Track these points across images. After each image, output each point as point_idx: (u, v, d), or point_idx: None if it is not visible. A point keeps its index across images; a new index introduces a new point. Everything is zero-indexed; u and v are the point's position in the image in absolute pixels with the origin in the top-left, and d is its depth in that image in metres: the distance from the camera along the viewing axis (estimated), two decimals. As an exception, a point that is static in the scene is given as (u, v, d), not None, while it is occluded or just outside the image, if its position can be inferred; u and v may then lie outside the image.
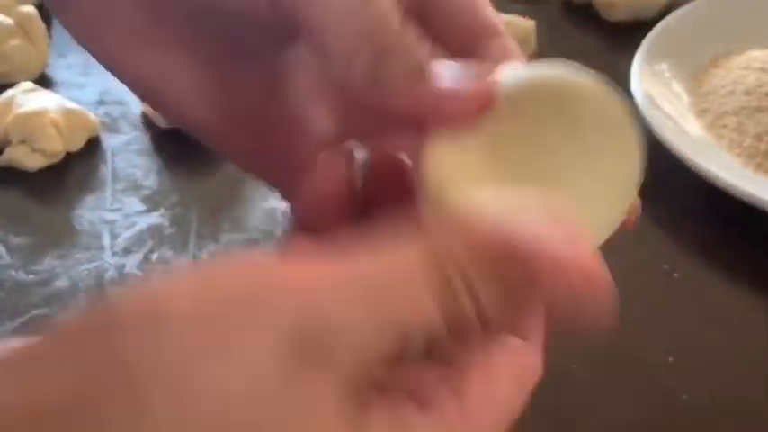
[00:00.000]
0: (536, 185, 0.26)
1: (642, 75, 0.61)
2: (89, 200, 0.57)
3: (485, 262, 0.22)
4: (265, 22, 0.29)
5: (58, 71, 0.68)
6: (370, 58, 0.25)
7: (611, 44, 0.70)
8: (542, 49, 0.68)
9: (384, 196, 0.29)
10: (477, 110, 0.26)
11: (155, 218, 0.56)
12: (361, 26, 0.25)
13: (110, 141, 0.62)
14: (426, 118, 0.26)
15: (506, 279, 0.22)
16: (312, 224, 0.28)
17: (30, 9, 0.67)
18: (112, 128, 0.63)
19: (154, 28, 0.31)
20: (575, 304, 0.23)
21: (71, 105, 0.61)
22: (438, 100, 0.26)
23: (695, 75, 0.64)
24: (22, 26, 0.67)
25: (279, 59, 0.31)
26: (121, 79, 0.32)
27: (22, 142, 0.58)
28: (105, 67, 0.32)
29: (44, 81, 0.66)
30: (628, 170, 0.27)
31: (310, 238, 0.28)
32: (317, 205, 0.28)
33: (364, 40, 0.25)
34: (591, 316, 0.23)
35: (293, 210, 0.31)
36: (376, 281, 0.21)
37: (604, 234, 0.28)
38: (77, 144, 0.61)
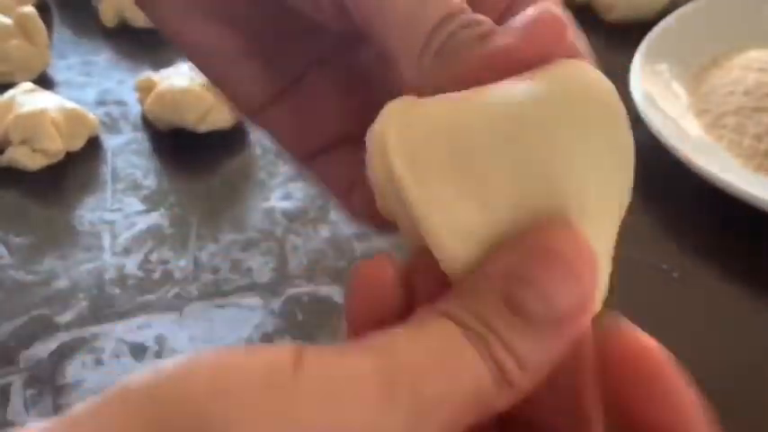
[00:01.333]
0: (517, 192, 0.22)
1: (642, 75, 0.61)
2: (89, 200, 0.57)
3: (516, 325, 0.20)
4: (330, 24, 0.27)
5: (58, 71, 0.68)
6: (438, 46, 0.23)
7: (611, 44, 0.70)
8: (542, 49, 0.68)
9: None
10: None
11: (155, 218, 0.56)
12: (425, 26, 0.23)
13: (110, 141, 0.62)
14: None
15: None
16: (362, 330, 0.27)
17: (30, 9, 0.67)
18: (112, 128, 0.63)
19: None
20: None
21: (71, 105, 0.61)
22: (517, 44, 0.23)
23: (695, 75, 0.64)
24: (22, 26, 0.67)
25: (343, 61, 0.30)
26: (178, 47, 0.31)
27: (23, 142, 0.59)
28: (162, 34, 0.31)
29: (44, 81, 0.66)
30: (624, 175, 0.24)
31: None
32: (363, 318, 0.26)
33: (429, 38, 0.23)
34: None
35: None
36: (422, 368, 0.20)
37: (609, 253, 0.24)
38: (77, 144, 0.61)
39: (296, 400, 0.18)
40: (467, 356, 0.20)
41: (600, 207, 0.23)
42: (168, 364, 0.19)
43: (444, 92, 0.23)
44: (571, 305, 0.21)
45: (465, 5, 0.24)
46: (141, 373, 0.19)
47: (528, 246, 0.21)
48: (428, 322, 0.21)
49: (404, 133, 0.22)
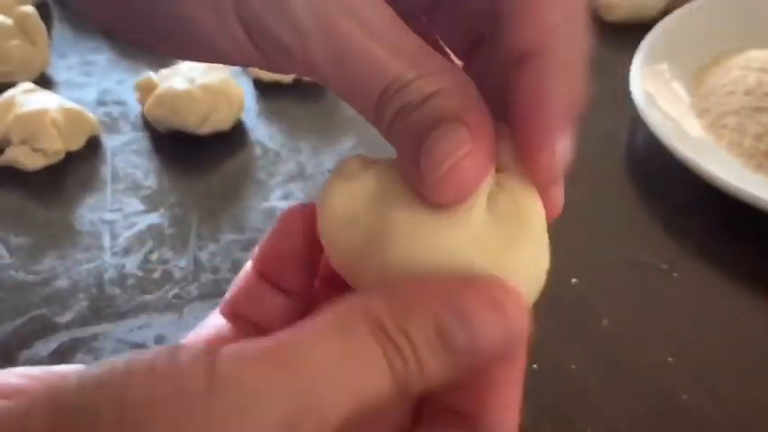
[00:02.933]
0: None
1: (642, 75, 0.61)
2: (89, 200, 0.57)
3: (429, 328, 0.22)
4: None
5: (58, 71, 0.68)
6: (392, 114, 0.24)
7: (611, 44, 0.70)
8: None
9: None
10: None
11: (155, 218, 0.56)
12: (383, 83, 0.24)
13: (110, 141, 0.62)
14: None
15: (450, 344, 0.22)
16: (272, 279, 0.29)
17: (30, 9, 0.67)
18: (112, 128, 0.63)
19: None
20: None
21: (71, 105, 0.61)
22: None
23: (695, 75, 0.64)
24: (22, 26, 0.67)
25: None
26: None
27: (23, 142, 0.58)
28: None
29: (44, 81, 0.66)
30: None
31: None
32: (276, 261, 0.28)
33: (377, 106, 0.24)
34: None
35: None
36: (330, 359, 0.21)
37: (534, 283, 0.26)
38: (77, 144, 0.61)
39: (208, 425, 0.20)
40: (378, 368, 0.22)
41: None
42: (71, 381, 0.20)
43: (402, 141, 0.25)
44: (494, 345, 0.23)
45: (403, 70, 0.24)
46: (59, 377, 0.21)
47: (467, 287, 0.23)
48: (349, 323, 0.22)
49: (333, 208, 0.26)
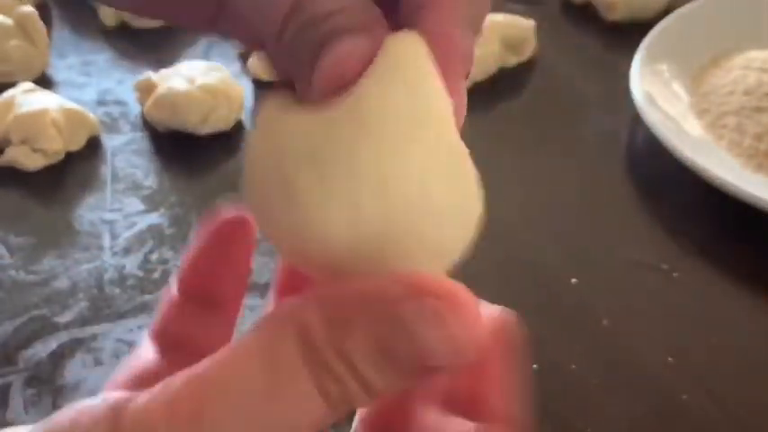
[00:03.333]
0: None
1: (642, 75, 0.61)
2: (89, 200, 0.57)
3: (356, 329, 0.20)
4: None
5: (58, 71, 0.68)
6: (287, 39, 0.23)
7: (611, 44, 0.70)
8: (542, 49, 0.68)
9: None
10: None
11: (155, 218, 0.56)
12: (276, 16, 0.23)
13: (110, 141, 0.62)
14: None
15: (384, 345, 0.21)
16: (199, 296, 0.27)
17: (30, 9, 0.67)
18: (112, 128, 0.63)
19: None
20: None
21: (71, 105, 0.61)
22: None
23: (695, 75, 0.64)
24: (22, 26, 0.67)
25: None
26: None
27: (23, 142, 0.58)
28: None
29: (44, 81, 0.66)
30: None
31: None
32: (199, 277, 0.27)
33: (281, 29, 0.23)
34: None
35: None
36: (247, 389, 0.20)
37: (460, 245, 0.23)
38: (77, 144, 0.61)
39: None
40: (311, 401, 0.20)
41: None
42: None
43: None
44: (442, 357, 0.21)
45: None
46: None
47: (410, 297, 0.21)
48: (278, 347, 0.20)
49: (266, 143, 0.23)
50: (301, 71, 0.23)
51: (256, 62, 0.66)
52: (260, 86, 0.67)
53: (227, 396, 0.20)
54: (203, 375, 0.20)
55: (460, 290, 0.21)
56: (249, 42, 0.27)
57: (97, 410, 0.20)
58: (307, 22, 0.22)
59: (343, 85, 0.22)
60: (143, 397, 0.20)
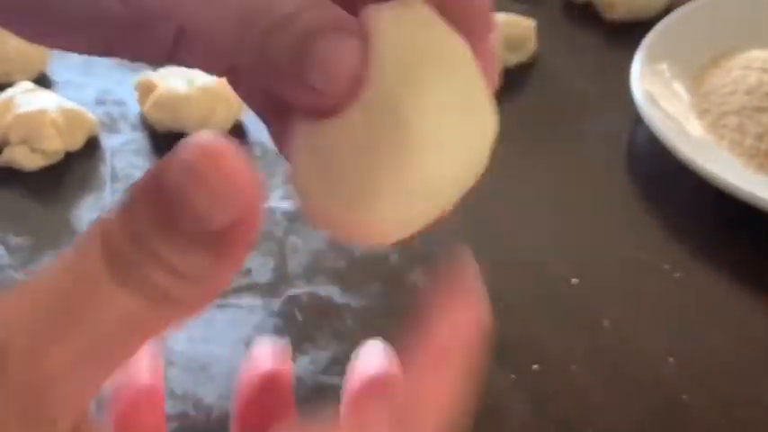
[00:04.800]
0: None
1: (642, 75, 0.61)
2: (88, 200, 0.57)
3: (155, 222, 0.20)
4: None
5: (57, 71, 0.68)
6: (256, 39, 0.23)
7: (611, 44, 0.70)
8: (542, 49, 0.68)
9: None
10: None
11: (154, 218, 0.56)
12: (240, 10, 0.22)
13: (109, 141, 0.62)
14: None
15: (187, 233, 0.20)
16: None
17: (29, 9, 0.67)
18: (112, 128, 0.63)
19: None
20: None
21: (70, 105, 0.61)
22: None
23: (695, 75, 0.64)
24: (21, 26, 0.67)
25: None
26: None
27: (22, 142, 0.58)
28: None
29: (44, 81, 0.66)
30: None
31: None
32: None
33: (247, 23, 0.22)
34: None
35: None
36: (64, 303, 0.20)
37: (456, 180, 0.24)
38: (77, 144, 0.60)
39: None
40: (106, 289, 0.20)
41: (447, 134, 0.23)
42: None
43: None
44: (224, 221, 0.20)
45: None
46: None
47: (167, 162, 0.20)
48: (80, 251, 0.20)
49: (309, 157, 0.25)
50: (289, 76, 0.23)
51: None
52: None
53: (54, 321, 0.19)
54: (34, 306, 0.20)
55: (217, 142, 0.20)
56: (214, 68, 0.28)
57: None
58: (281, 21, 0.22)
59: (358, 81, 0.22)
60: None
